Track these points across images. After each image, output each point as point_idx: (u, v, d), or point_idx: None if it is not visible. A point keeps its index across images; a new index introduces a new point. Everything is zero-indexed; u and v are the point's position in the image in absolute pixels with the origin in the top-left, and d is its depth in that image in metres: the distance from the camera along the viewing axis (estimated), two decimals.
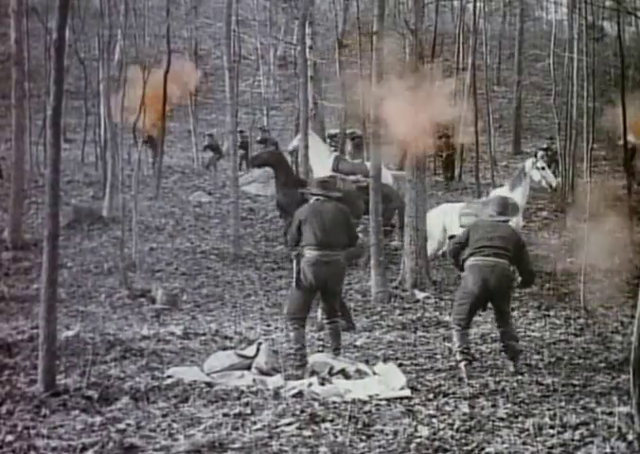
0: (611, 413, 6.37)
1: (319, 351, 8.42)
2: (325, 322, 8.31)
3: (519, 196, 13.14)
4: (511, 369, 7.82)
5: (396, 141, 11.56)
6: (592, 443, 5.79)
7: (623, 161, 18.42)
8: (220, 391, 7.02)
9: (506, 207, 8.35)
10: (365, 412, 6.49)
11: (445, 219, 13.07)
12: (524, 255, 8.15)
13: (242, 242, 14.63)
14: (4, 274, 12.41)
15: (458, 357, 7.87)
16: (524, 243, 8.41)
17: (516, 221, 12.86)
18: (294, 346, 7.78)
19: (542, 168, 13.68)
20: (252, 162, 16.05)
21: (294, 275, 7.93)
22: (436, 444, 5.79)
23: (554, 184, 13.66)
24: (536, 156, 14.09)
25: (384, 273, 11.57)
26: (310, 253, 7.87)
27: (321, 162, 15.24)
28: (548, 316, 10.65)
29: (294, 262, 7.98)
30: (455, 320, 8.04)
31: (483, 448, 5.72)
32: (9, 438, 5.74)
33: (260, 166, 15.99)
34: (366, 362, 8.03)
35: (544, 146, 21.27)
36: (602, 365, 8.18)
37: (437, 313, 10.75)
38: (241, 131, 23.02)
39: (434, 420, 6.31)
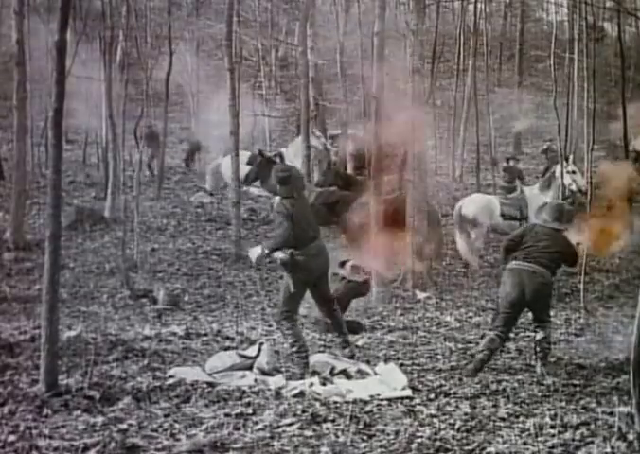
0: (611, 413, 6.38)
1: (320, 351, 8.44)
2: (324, 315, 8.29)
3: (548, 198, 13.21)
4: (540, 372, 7.81)
5: None
6: (592, 442, 5.81)
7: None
8: (221, 391, 7.03)
9: (562, 214, 8.24)
10: (367, 412, 6.51)
11: (491, 207, 13.40)
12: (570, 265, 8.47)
13: (244, 243, 14.64)
14: (6, 275, 12.43)
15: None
16: (576, 256, 8.43)
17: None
18: (296, 344, 7.78)
19: (573, 172, 13.66)
20: (245, 182, 15.80)
21: (291, 275, 7.81)
22: (438, 444, 5.81)
23: (584, 189, 13.56)
24: (567, 160, 13.92)
25: (385, 273, 11.59)
26: (302, 249, 7.79)
27: None
28: None
29: (289, 261, 7.77)
30: (497, 329, 7.94)
31: (484, 448, 5.73)
32: (12, 438, 5.74)
33: (255, 180, 15.78)
34: (368, 362, 8.05)
35: (545, 146, 21.28)
36: (602, 365, 8.20)
37: (439, 313, 10.78)
38: (149, 126, 20.17)
39: (435, 420, 6.32)
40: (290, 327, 7.87)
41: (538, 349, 8.01)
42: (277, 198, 8.17)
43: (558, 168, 13.63)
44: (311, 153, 16.31)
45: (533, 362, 8.13)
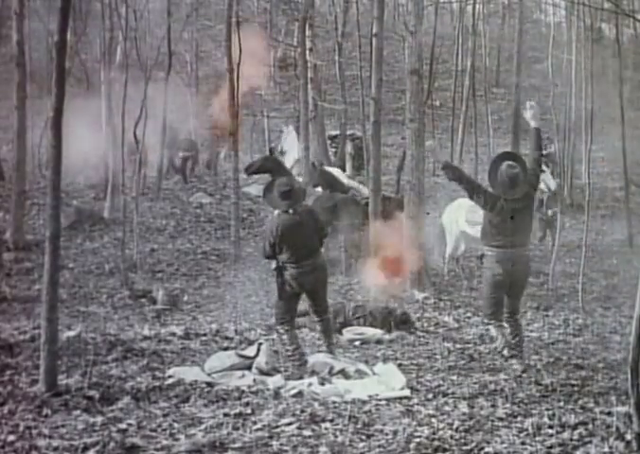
0: (609, 413, 6.38)
1: (319, 351, 8.45)
2: (316, 320, 8.33)
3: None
4: (518, 368, 7.84)
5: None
6: (590, 442, 5.81)
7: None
8: (220, 391, 7.05)
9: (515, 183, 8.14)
10: (365, 412, 6.52)
11: (457, 214, 12.94)
12: None
13: (243, 243, 14.67)
14: (6, 275, 12.44)
15: (506, 353, 7.78)
16: None
17: None
18: (290, 347, 7.80)
19: (542, 171, 13.23)
20: (246, 170, 15.62)
21: (277, 287, 7.88)
22: (436, 443, 5.81)
23: (552, 188, 13.24)
24: None
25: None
26: (292, 267, 7.80)
27: None
28: (547, 316, 10.70)
29: (276, 274, 7.88)
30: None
31: (482, 448, 5.73)
32: (11, 438, 5.74)
33: (256, 174, 15.60)
34: (366, 362, 8.06)
35: (544, 149, 21.30)
36: (601, 365, 8.22)
37: (437, 313, 10.80)
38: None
39: (433, 420, 6.33)
40: (284, 332, 7.88)
41: (515, 343, 8.04)
42: (276, 211, 8.02)
43: None
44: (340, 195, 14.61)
45: (532, 362, 8.15)
